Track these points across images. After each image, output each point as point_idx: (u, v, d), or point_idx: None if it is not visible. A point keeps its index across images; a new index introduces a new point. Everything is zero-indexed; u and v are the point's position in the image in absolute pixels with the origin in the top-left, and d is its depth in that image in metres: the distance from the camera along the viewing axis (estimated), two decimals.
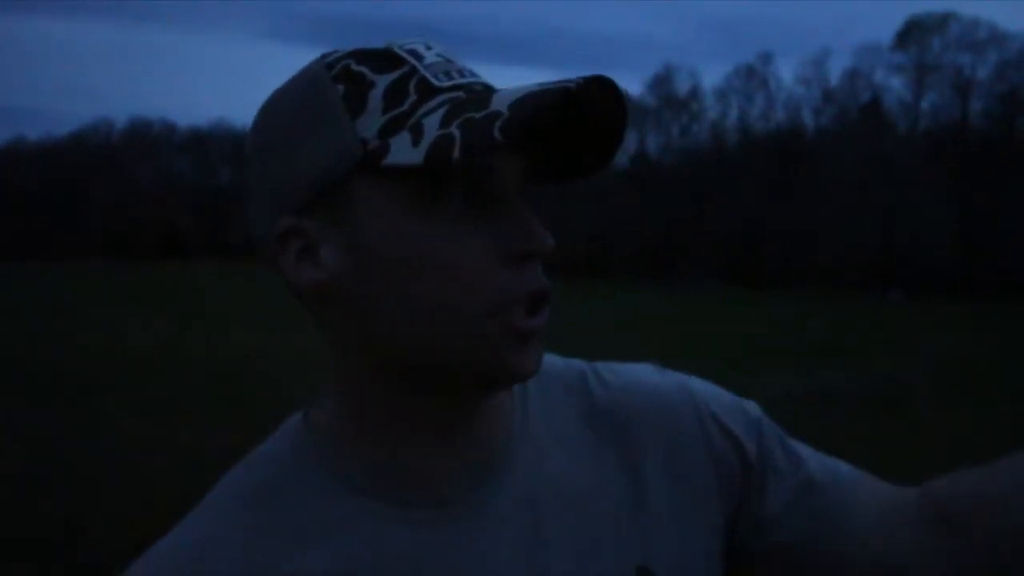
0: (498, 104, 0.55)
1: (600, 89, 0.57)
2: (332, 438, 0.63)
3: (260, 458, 0.65)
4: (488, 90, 0.58)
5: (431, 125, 0.55)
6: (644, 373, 0.72)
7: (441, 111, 0.56)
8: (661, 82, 43.33)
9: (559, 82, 0.56)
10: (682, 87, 43.15)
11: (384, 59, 0.58)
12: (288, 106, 0.60)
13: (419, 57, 0.59)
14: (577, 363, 0.72)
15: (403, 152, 0.55)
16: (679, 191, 37.47)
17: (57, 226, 47.91)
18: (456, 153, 0.53)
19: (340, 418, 0.63)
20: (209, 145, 55.29)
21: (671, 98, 42.70)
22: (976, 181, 30.95)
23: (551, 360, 0.70)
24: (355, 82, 0.58)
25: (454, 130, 0.54)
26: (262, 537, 0.60)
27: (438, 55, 0.60)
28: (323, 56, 0.61)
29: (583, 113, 0.59)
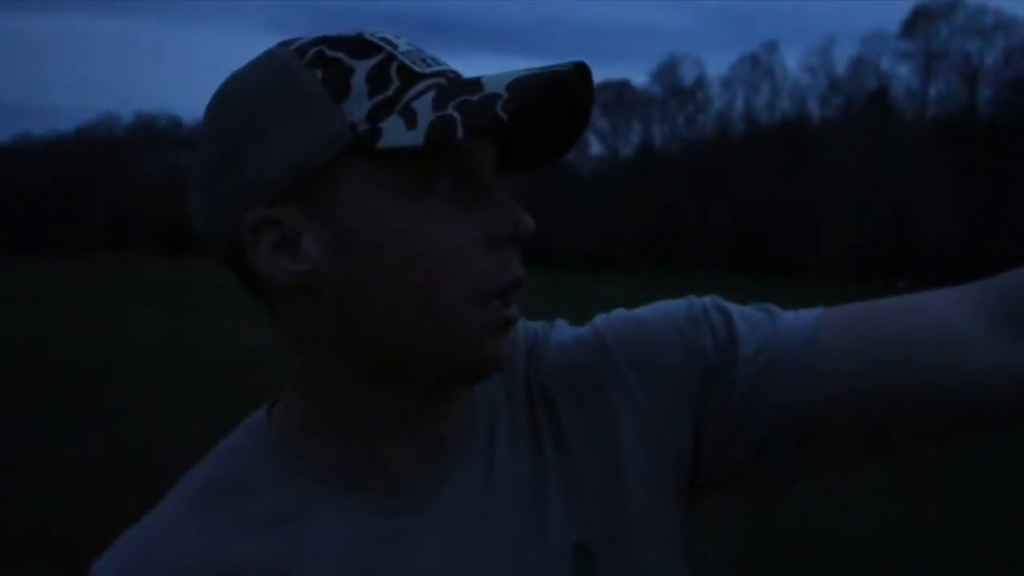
0: (493, 87, 0.55)
1: (578, 76, 0.57)
2: (292, 431, 0.63)
3: (222, 452, 0.65)
4: (471, 78, 0.58)
5: (423, 109, 0.55)
6: (567, 337, 0.68)
7: (429, 95, 0.56)
8: (666, 72, 43.24)
9: (548, 67, 0.56)
10: (687, 77, 43.07)
11: (358, 46, 0.58)
12: (255, 93, 0.58)
13: (393, 45, 0.58)
14: (531, 330, 0.69)
15: (398, 135, 0.54)
16: (684, 181, 37.37)
17: (63, 221, 48.01)
18: (460, 133, 0.53)
19: (301, 411, 0.63)
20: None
21: (676, 88, 42.58)
22: (984, 169, 30.78)
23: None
24: (333, 67, 0.57)
25: (452, 112, 0.54)
26: (218, 527, 0.61)
27: (409, 44, 0.59)
28: (284, 43, 0.60)
29: (561, 99, 0.59)
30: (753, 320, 0.64)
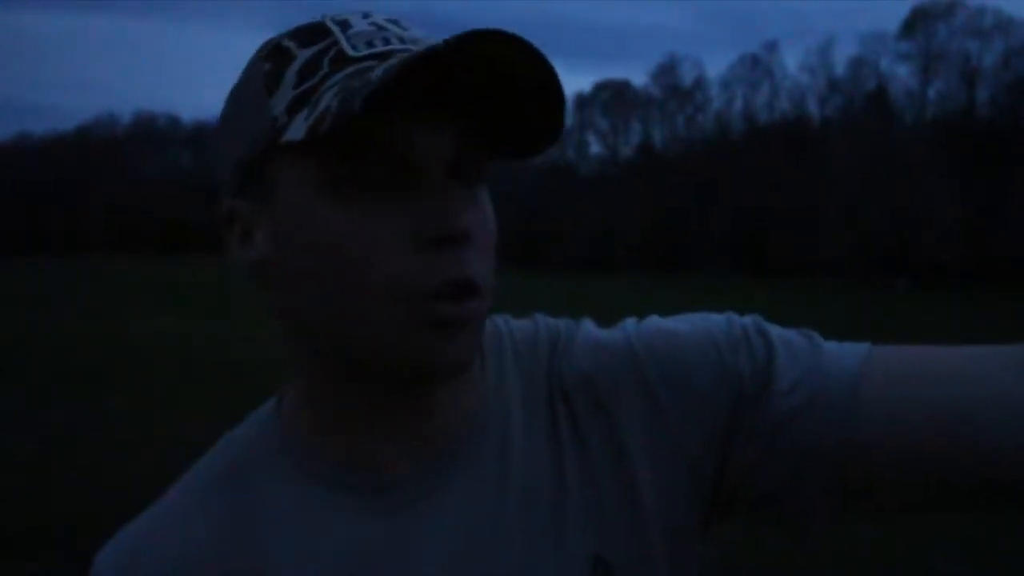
0: (380, 72, 0.50)
1: (504, 46, 0.51)
2: (296, 425, 0.62)
3: (230, 442, 0.65)
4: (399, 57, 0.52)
5: (327, 98, 0.51)
6: (594, 339, 0.65)
7: (334, 82, 0.53)
8: (666, 72, 43.26)
9: (432, 45, 0.50)
10: (687, 77, 43.10)
11: (312, 32, 0.56)
12: (232, 89, 0.60)
13: (347, 27, 0.55)
14: (555, 328, 0.67)
15: (297, 129, 0.52)
16: (684, 181, 37.39)
17: (62, 220, 48.01)
18: (324, 126, 0.50)
19: (300, 404, 0.62)
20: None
21: (676, 88, 42.60)
22: (983, 169, 30.81)
23: (523, 327, 0.66)
24: (279, 59, 0.56)
25: (332, 101, 0.50)
26: (219, 520, 0.61)
27: (372, 23, 0.56)
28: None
29: (498, 76, 0.54)
30: (794, 347, 0.61)
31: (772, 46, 44.24)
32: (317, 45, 0.55)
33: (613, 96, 46.67)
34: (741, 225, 35.18)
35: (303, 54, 0.55)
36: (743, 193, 35.00)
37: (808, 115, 39.47)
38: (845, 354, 0.60)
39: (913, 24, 36.51)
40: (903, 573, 4.32)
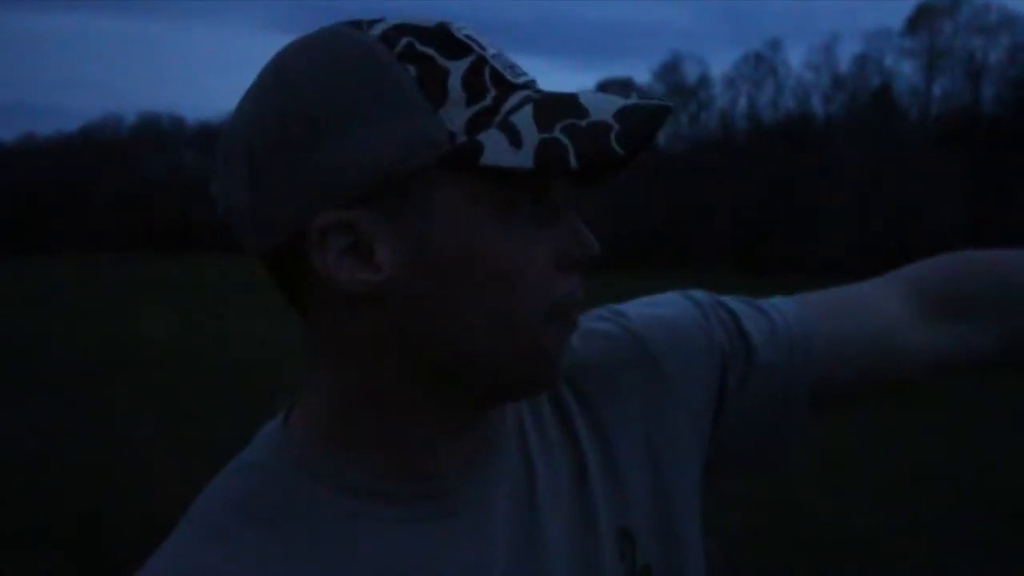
0: (599, 113, 0.54)
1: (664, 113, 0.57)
2: (318, 443, 0.60)
3: (238, 471, 0.61)
4: (563, 94, 0.56)
5: (524, 125, 0.53)
6: (589, 331, 0.70)
7: (526, 111, 0.54)
8: (669, 70, 43.14)
9: (648, 99, 0.56)
10: (691, 75, 42.97)
11: (448, 42, 0.55)
12: (338, 81, 0.53)
13: (481, 46, 0.56)
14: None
15: (502, 153, 0.52)
16: (688, 179, 37.31)
17: (67, 221, 48.10)
18: (573, 162, 0.52)
19: (330, 422, 0.60)
20: (218, 139, 55.19)
21: (680, 86, 42.49)
22: (988, 167, 30.70)
23: None
24: (426, 65, 0.54)
25: (559, 135, 0.53)
26: (247, 555, 0.56)
27: (492, 44, 0.57)
28: (354, 23, 0.56)
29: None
30: (750, 310, 0.73)
31: (776, 44, 44.07)
32: (463, 60, 0.54)
33: (616, 93, 46.38)
34: (744, 223, 35.12)
35: (454, 66, 0.54)
36: (747, 190, 34.93)
37: (812, 112, 39.39)
38: (788, 309, 0.73)
39: (917, 21, 36.39)
40: (908, 570, 4.31)
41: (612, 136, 0.53)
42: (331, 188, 0.53)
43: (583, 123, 0.53)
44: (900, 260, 0.87)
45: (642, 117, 0.54)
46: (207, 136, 55.39)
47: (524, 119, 0.54)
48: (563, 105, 0.55)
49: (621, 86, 45.46)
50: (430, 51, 0.54)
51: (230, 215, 0.58)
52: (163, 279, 26.32)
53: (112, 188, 49.50)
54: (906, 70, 37.68)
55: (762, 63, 40.92)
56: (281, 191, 0.54)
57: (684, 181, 37.58)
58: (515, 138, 0.53)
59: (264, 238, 0.56)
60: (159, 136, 56.22)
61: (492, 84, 0.54)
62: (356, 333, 0.57)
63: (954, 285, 0.76)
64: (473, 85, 0.54)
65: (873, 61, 37.67)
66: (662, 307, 0.72)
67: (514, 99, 0.55)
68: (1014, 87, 34.62)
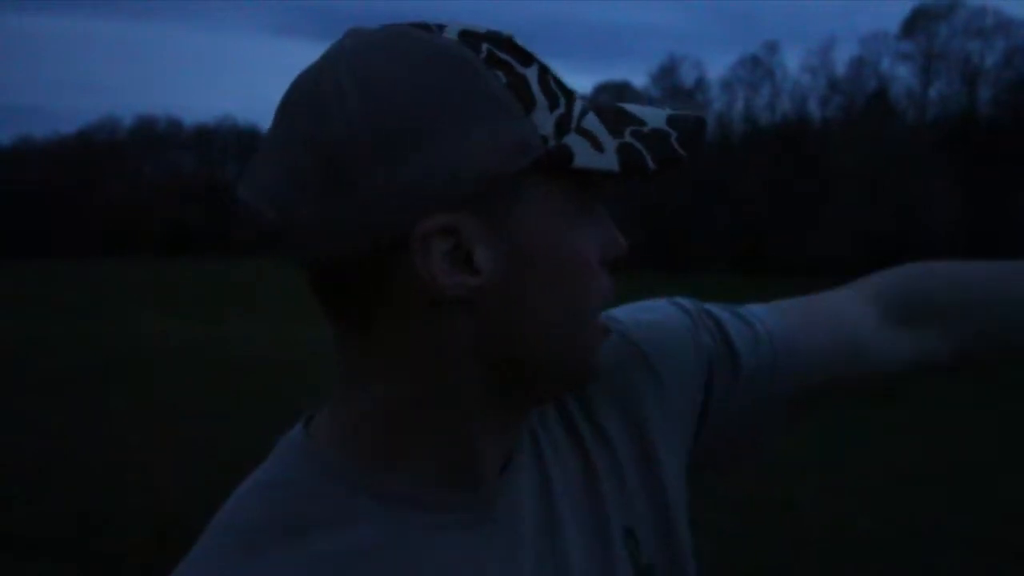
0: (652, 121, 0.58)
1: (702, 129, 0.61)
2: (355, 453, 0.58)
3: (264, 486, 0.58)
4: (610, 106, 0.60)
5: (599, 132, 0.56)
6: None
7: (591, 117, 0.57)
8: (666, 73, 43.22)
9: (688, 109, 0.61)
10: (687, 78, 43.07)
11: (517, 50, 0.57)
12: (434, 83, 0.53)
13: (528, 48, 0.58)
14: None
15: (590, 156, 0.55)
16: (685, 182, 37.34)
17: (64, 224, 48.06)
18: (651, 164, 0.56)
19: (376, 430, 0.58)
20: (215, 141, 55.43)
21: (676, 89, 42.56)
22: (984, 170, 30.78)
23: None
24: (509, 72, 0.55)
25: (631, 140, 0.57)
26: (303, 567, 0.54)
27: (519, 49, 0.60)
28: (422, 26, 0.56)
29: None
30: (730, 319, 0.76)
31: (773, 47, 44.28)
32: (532, 67, 0.56)
33: (613, 97, 46.69)
34: (742, 225, 35.18)
35: (529, 73, 0.56)
36: (743, 193, 34.99)
37: (809, 116, 39.47)
38: (768, 317, 0.76)
39: (914, 24, 36.50)
40: (905, 570, 4.32)
41: (673, 141, 0.57)
42: (435, 192, 0.52)
43: (645, 130, 0.57)
44: (896, 262, 0.89)
45: (690, 124, 0.59)
46: (204, 138, 55.45)
47: (595, 125, 0.57)
48: (619, 113, 0.58)
49: (618, 90, 45.54)
50: (508, 58, 0.55)
51: (289, 223, 0.54)
52: (160, 281, 26.31)
53: (109, 190, 49.48)
54: (902, 73, 37.87)
55: (759, 66, 41.04)
56: (375, 197, 0.52)
57: (680, 184, 37.60)
58: (596, 143, 0.56)
59: (341, 246, 0.53)
60: (156, 139, 56.21)
61: (559, 91, 0.57)
62: (433, 339, 0.55)
63: (914, 295, 0.81)
64: (549, 92, 0.56)
65: (869, 64, 37.81)
66: (651, 312, 0.74)
67: (578, 106, 0.57)
68: (1010, 90, 34.71)
